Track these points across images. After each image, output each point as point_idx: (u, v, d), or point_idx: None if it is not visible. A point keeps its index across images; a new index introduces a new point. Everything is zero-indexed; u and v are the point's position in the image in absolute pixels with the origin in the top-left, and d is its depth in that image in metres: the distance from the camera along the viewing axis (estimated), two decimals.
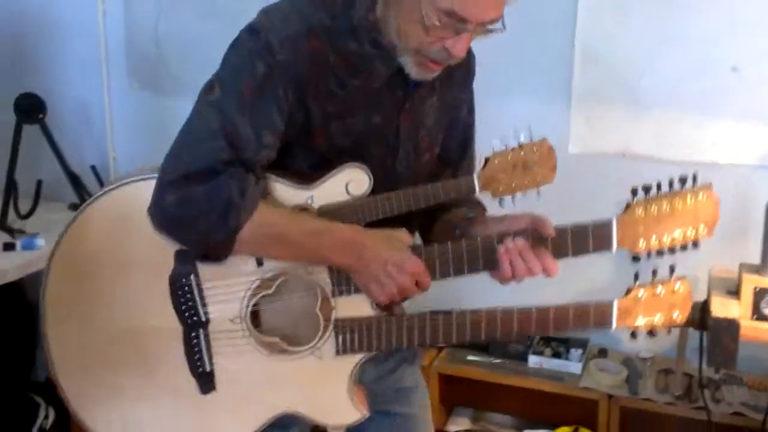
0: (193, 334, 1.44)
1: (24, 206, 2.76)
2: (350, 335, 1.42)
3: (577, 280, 2.68)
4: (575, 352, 2.55)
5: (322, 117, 1.36)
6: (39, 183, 2.78)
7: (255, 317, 1.46)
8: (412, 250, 1.38)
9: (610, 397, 2.42)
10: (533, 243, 1.36)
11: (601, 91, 2.56)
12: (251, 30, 1.34)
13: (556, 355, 2.57)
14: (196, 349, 1.44)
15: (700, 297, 2.22)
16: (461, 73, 1.54)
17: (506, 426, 2.76)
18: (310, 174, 1.41)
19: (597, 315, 1.38)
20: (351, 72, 1.36)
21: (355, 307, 1.42)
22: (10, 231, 2.63)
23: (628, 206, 1.33)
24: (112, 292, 1.46)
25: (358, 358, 1.45)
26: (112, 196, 1.44)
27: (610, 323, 1.38)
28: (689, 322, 2.18)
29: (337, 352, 1.43)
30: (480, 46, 2.76)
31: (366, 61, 1.35)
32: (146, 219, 1.36)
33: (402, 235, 1.39)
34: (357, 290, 1.40)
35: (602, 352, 2.62)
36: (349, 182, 1.40)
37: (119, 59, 3.06)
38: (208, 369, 1.45)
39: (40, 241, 2.53)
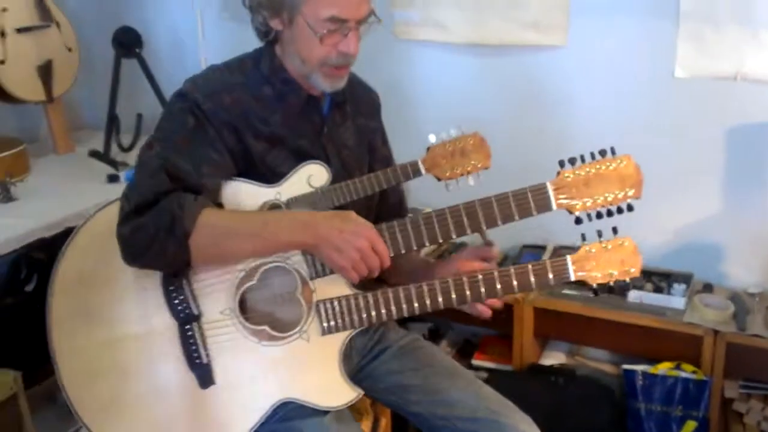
0: (187, 327, 1.52)
1: (125, 140, 2.85)
2: (332, 314, 1.51)
3: (675, 216, 2.58)
4: (678, 287, 2.45)
5: (259, 150, 1.57)
6: (139, 116, 2.86)
7: (242, 307, 1.54)
8: None
9: (716, 332, 2.32)
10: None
11: (711, 8, 2.38)
12: (179, 95, 1.57)
13: (658, 290, 2.47)
14: (191, 341, 1.52)
15: None
16: (367, 103, 1.79)
17: (603, 360, 2.70)
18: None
19: (555, 270, 1.45)
20: (270, 110, 1.60)
21: (333, 287, 1.51)
22: (114, 163, 2.72)
23: (558, 173, 1.46)
24: (110, 301, 1.55)
25: (344, 335, 1.53)
26: (102, 213, 1.59)
27: (568, 275, 1.46)
28: None
29: (323, 332, 1.52)
30: None
31: (280, 97, 1.61)
32: None
33: (352, 214, 1.48)
34: (332, 271, 1.50)
35: (707, 287, 2.51)
36: (311, 176, 1.57)
37: None
38: (205, 361, 1.52)
39: None
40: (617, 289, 2.50)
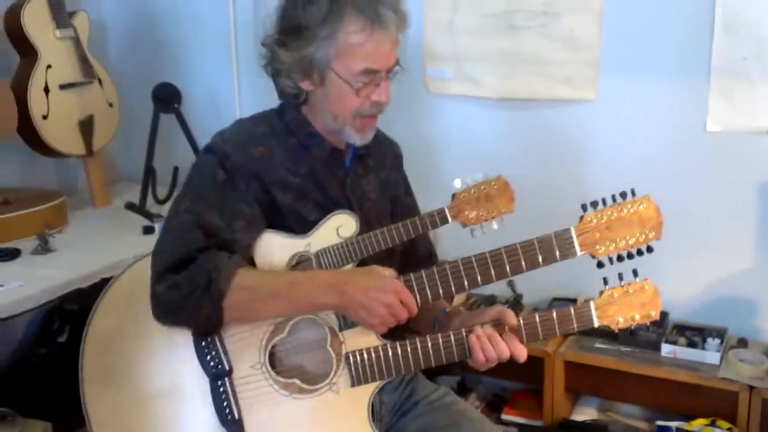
0: (219, 383, 1.53)
1: (161, 192, 2.91)
2: (362, 365, 1.52)
3: (708, 270, 2.55)
4: (712, 342, 2.41)
5: (286, 201, 1.59)
6: (175, 169, 2.91)
7: (272, 361, 1.55)
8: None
9: (752, 388, 2.28)
10: (502, 331, 1.49)
11: (743, 63, 2.40)
12: (208, 149, 1.61)
13: (692, 344, 2.44)
14: (223, 397, 1.53)
15: None
16: (391, 156, 1.82)
17: (636, 416, 2.66)
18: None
19: (579, 317, 1.47)
20: (296, 160, 1.63)
21: (362, 338, 1.52)
22: (149, 215, 2.78)
23: (581, 218, 1.48)
24: (141, 357, 1.58)
25: (373, 387, 1.53)
26: (133, 269, 1.63)
27: (592, 322, 1.47)
28: None
29: (352, 384, 1.52)
30: (610, 16, 2.64)
31: (305, 149, 1.64)
32: None
33: (381, 268, 1.51)
34: None
35: (742, 342, 2.47)
36: (339, 227, 1.58)
37: (248, 50, 3.15)
38: (236, 417, 1.53)
39: None
40: (649, 343, 2.47)
